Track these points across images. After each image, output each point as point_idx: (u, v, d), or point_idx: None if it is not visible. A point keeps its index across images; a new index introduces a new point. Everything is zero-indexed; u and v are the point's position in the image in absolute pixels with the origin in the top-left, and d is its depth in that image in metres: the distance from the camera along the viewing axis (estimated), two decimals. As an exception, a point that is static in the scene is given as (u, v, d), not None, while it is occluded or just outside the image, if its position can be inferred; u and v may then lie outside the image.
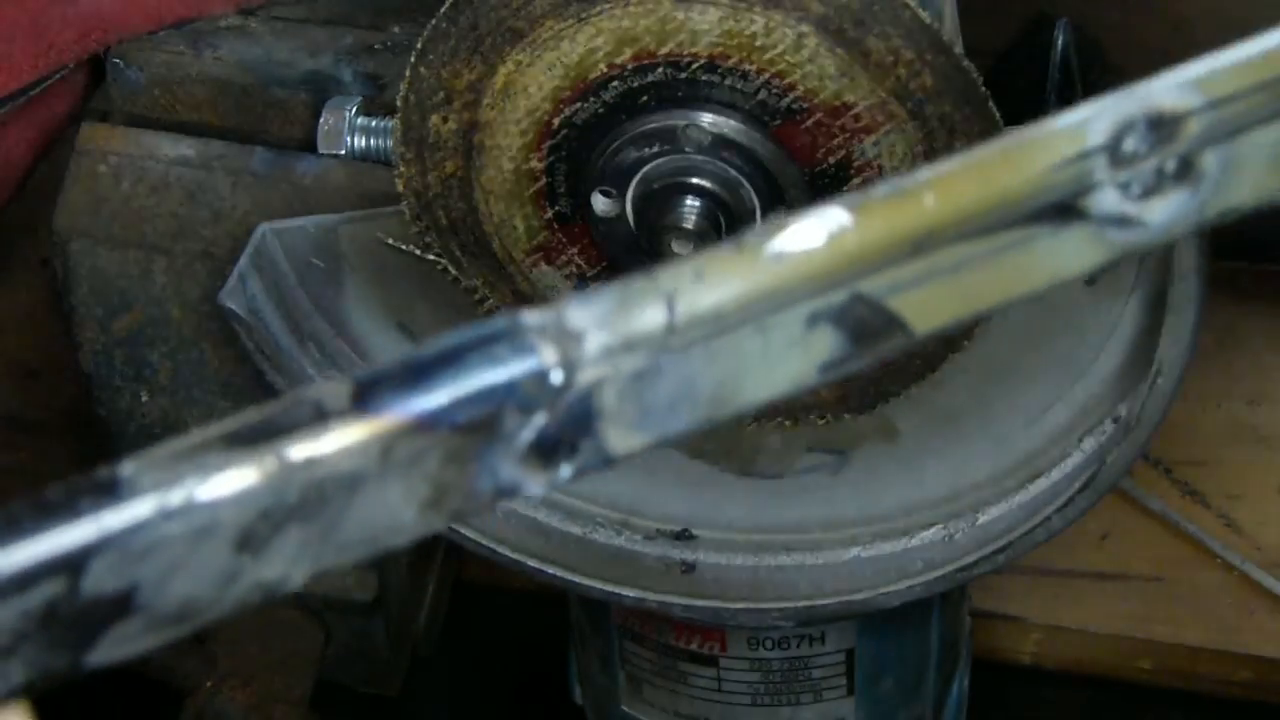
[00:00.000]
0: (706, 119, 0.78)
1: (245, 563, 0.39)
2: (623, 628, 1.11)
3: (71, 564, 0.38)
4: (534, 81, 0.80)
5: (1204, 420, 1.37)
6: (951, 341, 0.83)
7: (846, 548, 0.93)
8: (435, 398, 0.39)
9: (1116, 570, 1.38)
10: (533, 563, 0.95)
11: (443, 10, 0.78)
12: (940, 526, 0.91)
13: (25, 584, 0.38)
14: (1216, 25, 1.27)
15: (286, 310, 0.91)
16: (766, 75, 0.77)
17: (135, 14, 0.97)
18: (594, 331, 0.39)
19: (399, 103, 0.81)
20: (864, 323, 0.41)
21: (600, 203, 0.82)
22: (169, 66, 0.97)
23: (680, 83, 0.78)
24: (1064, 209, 0.41)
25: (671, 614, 0.96)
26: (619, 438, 0.40)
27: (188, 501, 0.38)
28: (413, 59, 0.80)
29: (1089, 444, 0.86)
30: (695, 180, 0.79)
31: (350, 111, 0.93)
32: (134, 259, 0.97)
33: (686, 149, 0.79)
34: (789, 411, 0.87)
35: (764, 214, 0.80)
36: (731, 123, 0.78)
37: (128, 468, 0.39)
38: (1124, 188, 0.41)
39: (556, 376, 0.39)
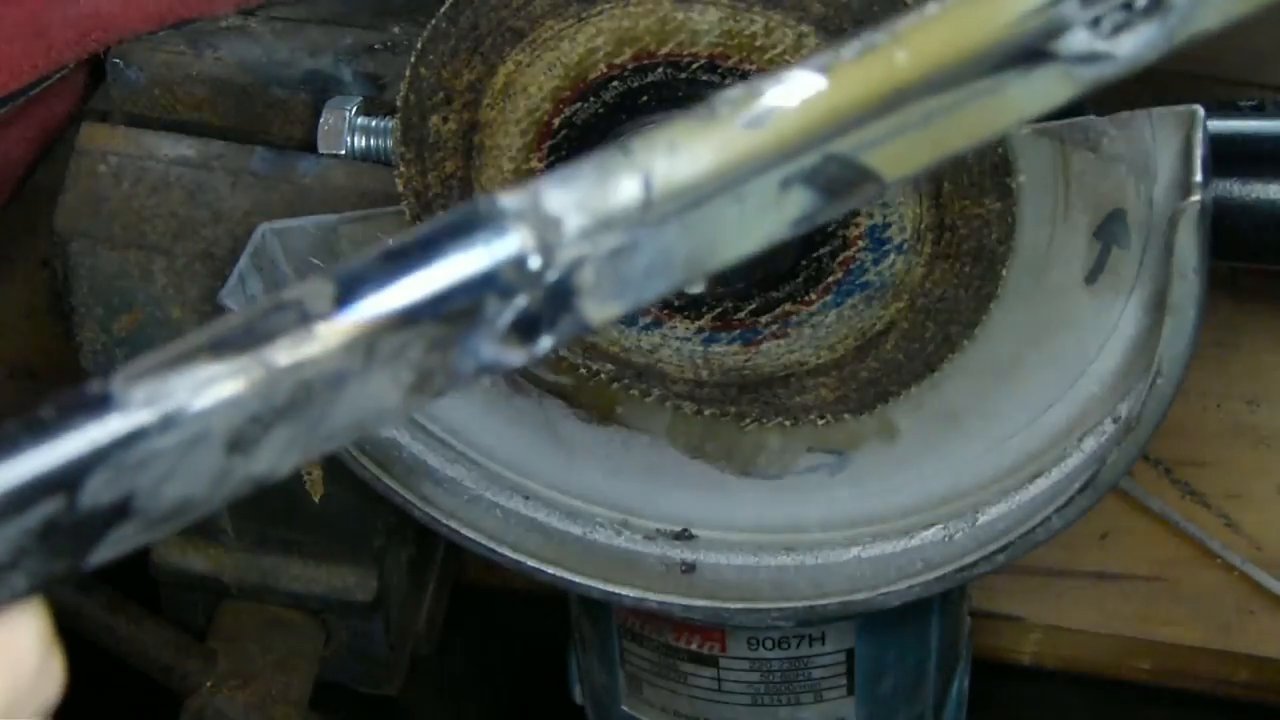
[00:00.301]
0: (706, 119, 0.78)
1: (236, 462, 0.40)
2: (623, 628, 1.11)
3: (68, 481, 0.39)
4: (534, 81, 0.80)
5: (1204, 420, 1.37)
6: (951, 341, 0.83)
7: (846, 548, 0.93)
8: (415, 292, 0.39)
9: (1116, 570, 1.38)
10: (533, 563, 0.95)
11: (443, 10, 0.78)
12: (940, 526, 0.91)
13: (23, 504, 0.38)
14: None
15: (286, 310, 0.91)
16: (766, 75, 0.77)
17: (135, 14, 0.97)
18: (572, 214, 0.40)
19: (399, 103, 0.81)
20: (837, 179, 0.41)
21: (600, 203, 0.82)
22: (169, 66, 0.97)
23: (680, 83, 0.78)
24: (1034, 53, 0.41)
25: (671, 614, 0.96)
26: (596, 308, 0.41)
27: (179, 412, 0.39)
28: (413, 59, 0.80)
29: (1089, 444, 0.86)
30: (695, 180, 0.79)
31: (350, 111, 0.93)
32: (134, 259, 0.97)
33: (686, 149, 0.79)
34: (789, 411, 0.87)
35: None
36: (731, 123, 0.78)
37: (117, 382, 0.39)
38: (1094, 26, 0.41)
39: (535, 262, 0.40)
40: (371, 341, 0.39)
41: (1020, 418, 0.88)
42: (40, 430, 0.39)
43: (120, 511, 0.39)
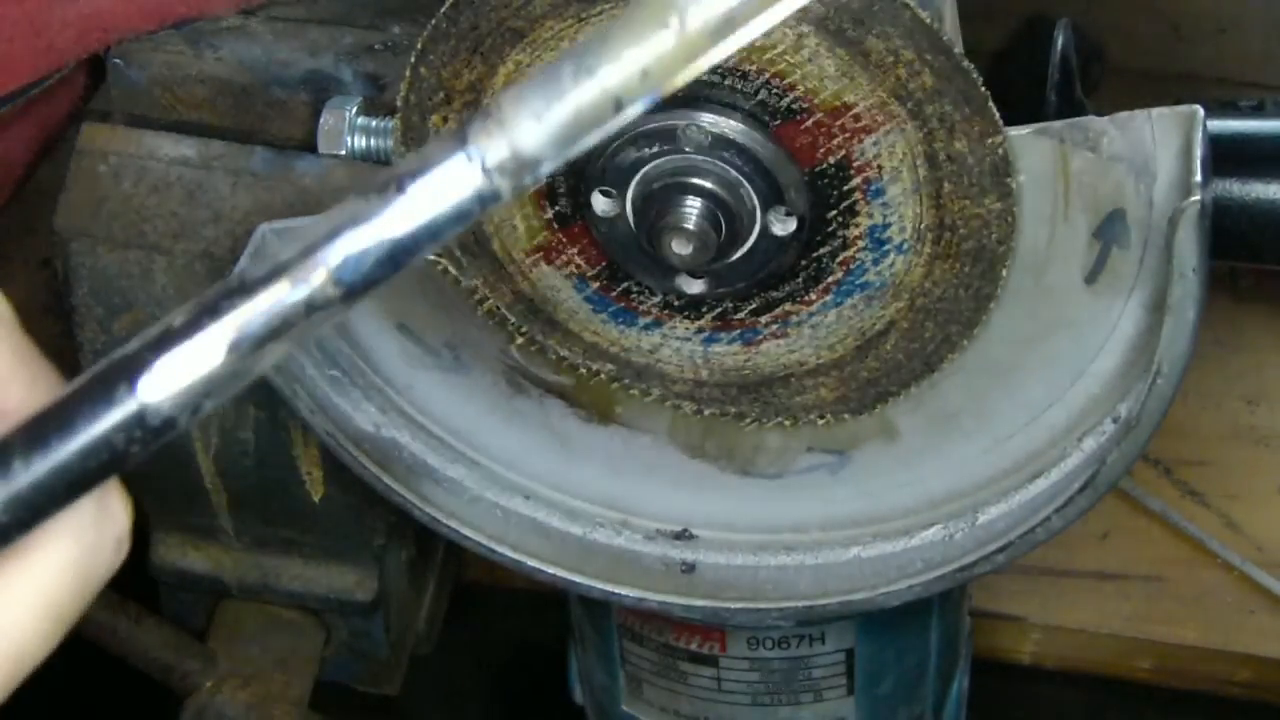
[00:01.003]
0: (706, 119, 0.78)
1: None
2: (623, 627, 1.11)
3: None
4: (534, 81, 0.80)
5: (1204, 420, 1.37)
6: (951, 341, 0.83)
7: (846, 548, 0.93)
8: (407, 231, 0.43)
9: (1116, 570, 1.38)
10: (533, 563, 0.95)
11: (443, 10, 0.78)
12: (940, 526, 0.91)
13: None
14: (1216, 26, 1.27)
15: (286, 310, 0.91)
16: (766, 75, 0.77)
17: (135, 14, 0.97)
18: (549, 160, 0.42)
19: (399, 103, 0.81)
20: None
21: (600, 203, 0.82)
22: (169, 66, 0.97)
23: (680, 83, 0.78)
24: None
25: (671, 614, 0.96)
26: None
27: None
28: (413, 59, 0.80)
29: (1089, 444, 0.86)
30: (695, 180, 0.79)
31: (350, 111, 0.93)
32: (134, 259, 0.97)
33: (686, 149, 0.79)
34: (789, 411, 0.87)
35: (764, 214, 0.80)
36: (731, 122, 0.78)
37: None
38: None
39: (507, 196, 0.43)
40: None
41: (1020, 418, 0.88)
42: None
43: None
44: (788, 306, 0.84)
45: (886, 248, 0.81)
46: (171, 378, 0.42)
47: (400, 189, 0.42)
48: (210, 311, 0.43)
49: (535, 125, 0.42)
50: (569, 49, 0.48)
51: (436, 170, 0.42)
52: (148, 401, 0.42)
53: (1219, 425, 1.38)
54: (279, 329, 0.43)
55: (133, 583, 1.15)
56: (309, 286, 0.42)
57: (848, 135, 0.77)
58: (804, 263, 0.82)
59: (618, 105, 0.42)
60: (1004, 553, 0.88)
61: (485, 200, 0.42)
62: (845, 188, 0.79)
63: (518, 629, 1.49)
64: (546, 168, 0.42)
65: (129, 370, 0.43)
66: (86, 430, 0.43)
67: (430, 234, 0.43)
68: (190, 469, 1.07)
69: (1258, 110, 0.99)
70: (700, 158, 0.79)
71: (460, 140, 0.42)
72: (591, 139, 0.43)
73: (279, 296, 0.42)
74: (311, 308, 0.43)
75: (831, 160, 0.78)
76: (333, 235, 0.42)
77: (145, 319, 0.99)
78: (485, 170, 0.42)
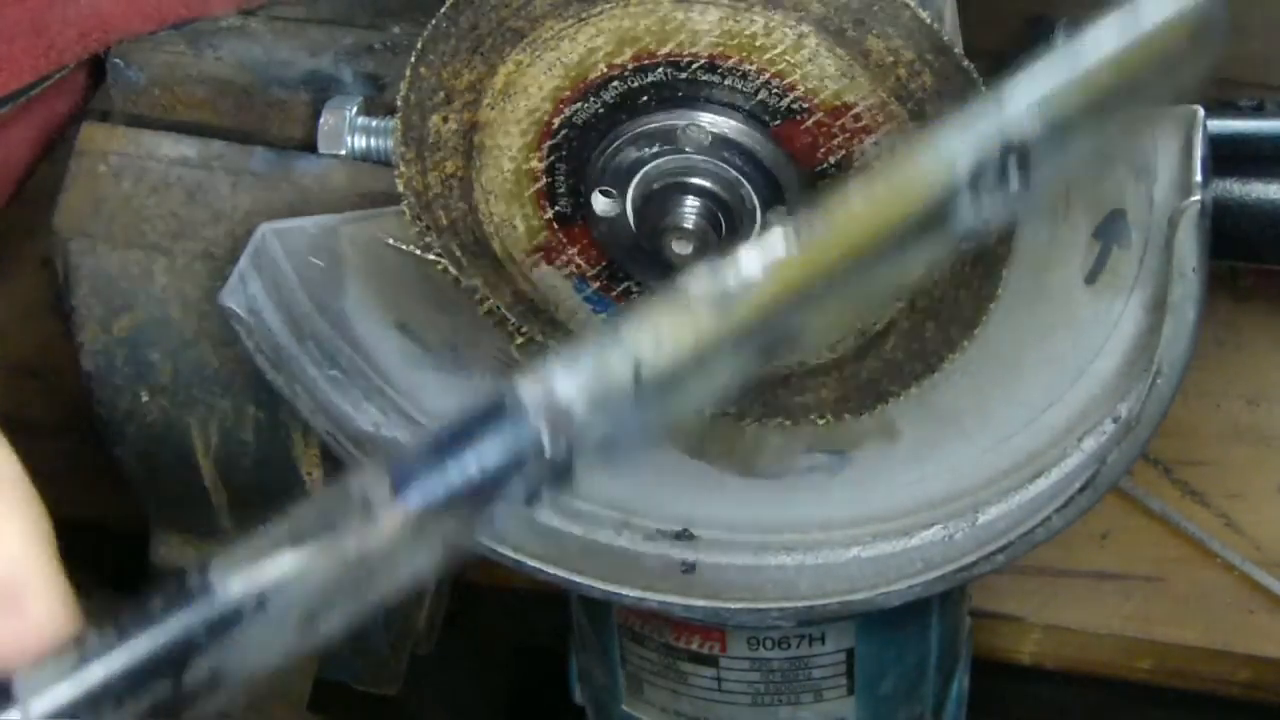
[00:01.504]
0: (706, 119, 0.78)
1: (306, 634, 0.47)
2: (623, 627, 1.11)
3: (178, 663, 0.45)
4: (534, 81, 0.80)
5: (1204, 420, 1.37)
6: (951, 341, 0.83)
7: (846, 548, 0.93)
8: (457, 479, 0.46)
9: (1116, 570, 1.38)
10: (533, 563, 0.95)
11: (443, 10, 0.78)
12: (940, 526, 0.91)
13: (137, 688, 0.45)
14: (1216, 25, 1.27)
15: (286, 310, 0.91)
16: (766, 75, 0.77)
17: (135, 14, 0.97)
18: (578, 402, 0.46)
19: (399, 103, 0.81)
20: (777, 343, 0.48)
21: (600, 203, 0.82)
22: (169, 66, 0.97)
23: (680, 83, 0.78)
24: (935, 225, 0.47)
25: (672, 614, 0.96)
26: (585, 473, 0.47)
27: (270, 594, 0.46)
28: (413, 59, 0.80)
29: (1089, 444, 0.86)
30: (695, 180, 0.79)
31: (350, 111, 0.93)
32: (134, 259, 0.97)
33: (686, 149, 0.79)
34: (789, 411, 0.87)
35: (764, 214, 0.80)
36: (731, 123, 0.78)
37: (215, 572, 0.46)
38: (977, 205, 0.47)
39: (550, 447, 0.46)
40: (422, 524, 0.46)
41: (1020, 418, 0.88)
42: (149, 620, 0.45)
43: (213, 685, 0.46)
44: (788, 306, 0.84)
45: (886, 248, 0.81)
46: None
47: None
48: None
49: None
50: None
51: None
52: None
53: (1219, 425, 1.38)
54: None
55: (133, 583, 1.15)
56: None
57: (848, 135, 0.77)
58: (804, 263, 0.82)
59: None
60: (1004, 553, 0.87)
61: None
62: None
63: (518, 629, 1.49)
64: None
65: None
66: None
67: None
68: (190, 469, 1.07)
69: (1258, 110, 0.99)
70: (700, 158, 0.79)
71: None
72: None
73: None
74: None
75: (832, 160, 0.78)
76: None
77: (145, 319, 0.99)
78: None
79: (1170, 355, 0.78)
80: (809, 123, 0.77)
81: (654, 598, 0.95)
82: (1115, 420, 0.84)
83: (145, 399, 1.02)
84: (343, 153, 0.94)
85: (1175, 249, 0.75)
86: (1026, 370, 0.86)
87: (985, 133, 0.46)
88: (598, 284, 0.86)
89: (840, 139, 0.78)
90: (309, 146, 0.95)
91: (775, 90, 0.77)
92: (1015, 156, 0.46)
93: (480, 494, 0.46)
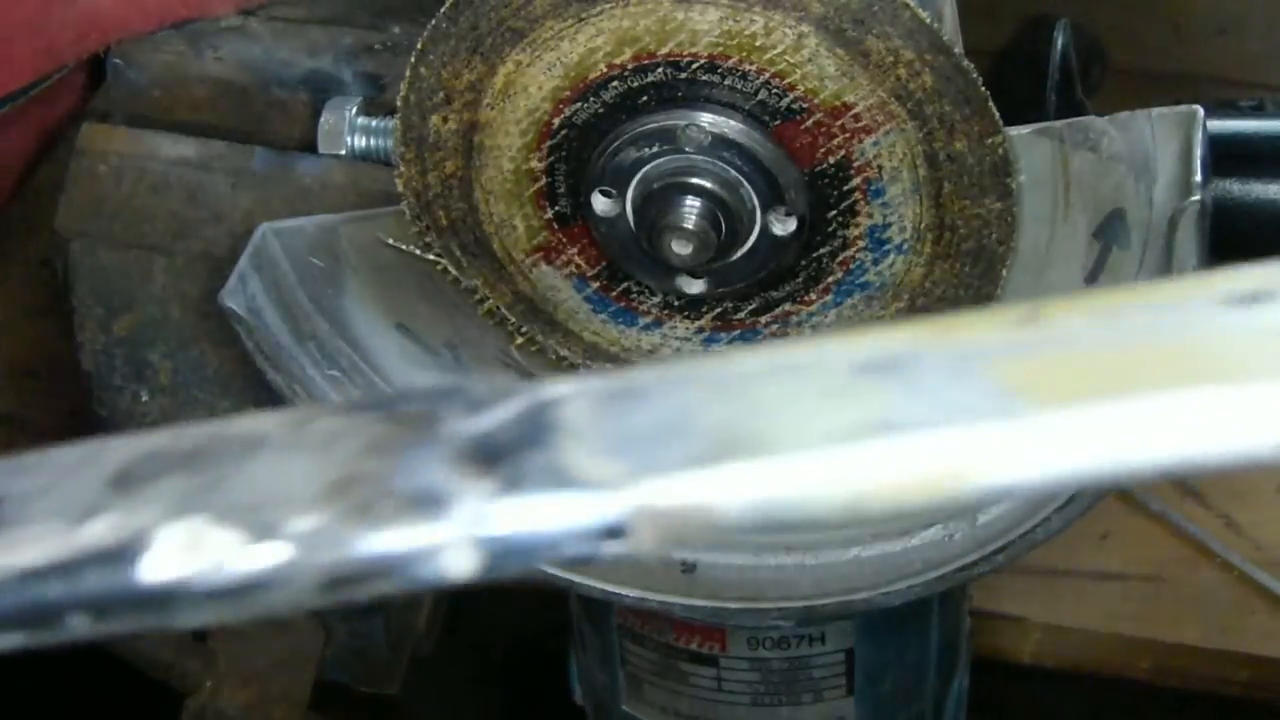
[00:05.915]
0: (706, 119, 0.78)
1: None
2: (623, 628, 1.11)
3: None
4: (534, 81, 0.80)
5: (1204, 420, 1.37)
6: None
7: (846, 548, 0.93)
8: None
9: (1116, 570, 1.38)
10: (533, 563, 0.95)
11: (443, 10, 0.78)
12: (940, 526, 0.91)
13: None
14: (1216, 26, 1.28)
15: (286, 310, 0.91)
16: (766, 75, 0.77)
17: (135, 14, 0.97)
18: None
19: (399, 103, 0.81)
20: None
21: (600, 203, 0.82)
22: (169, 67, 0.97)
23: (680, 83, 0.78)
24: None
25: (672, 614, 0.96)
26: (585, 459, 0.33)
27: None
28: (413, 59, 0.80)
29: (1089, 444, 0.86)
30: (695, 180, 0.79)
31: (350, 111, 0.93)
32: (134, 259, 0.97)
33: (686, 149, 0.79)
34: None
35: (764, 214, 0.80)
36: (731, 123, 0.78)
37: None
38: None
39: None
40: (307, 418, 0.38)
41: (1020, 418, 0.88)
42: None
43: None
44: (788, 307, 0.84)
45: (886, 248, 0.81)
46: None
47: None
48: None
49: None
50: None
51: None
52: None
53: (1219, 425, 1.37)
54: None
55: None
56: None
57: (848, 135, 0.77)
58: (804, 263, 0.82)
59: None
60: (1004, 553, 0.87)
61: None
62: (845, 188, 0.79)
63: (518, 629, 1.49)
64: None
65: None
66: None
67: None
68: (190, 469, 1.07)
69: (1258, 110, 0.99)
70: (700, 158, 0.79)
71: None
72: None
73: None
74: None
75: (831, 160, 0.78)
76: None
77: (145, 319, 0.99)
78: None
79: (1170, 355, 0.77)
80: (809, 123, 0.77)
81: (654, 598, 0.95)
82: (1115, 420, 0.84)
83: (145, 399, 1.02)
84: (343, 153, 0.94)
85: (1175, 249, 0.75)
86: (1026, 370, 0.86)
87: None
88: (598, 284, 0.86)
89: (840, 139, 0.78)
90: (309, 146, 0.95)
91: (775, 90, 0.77)
92: None
93: (399, 410, 0.36)
